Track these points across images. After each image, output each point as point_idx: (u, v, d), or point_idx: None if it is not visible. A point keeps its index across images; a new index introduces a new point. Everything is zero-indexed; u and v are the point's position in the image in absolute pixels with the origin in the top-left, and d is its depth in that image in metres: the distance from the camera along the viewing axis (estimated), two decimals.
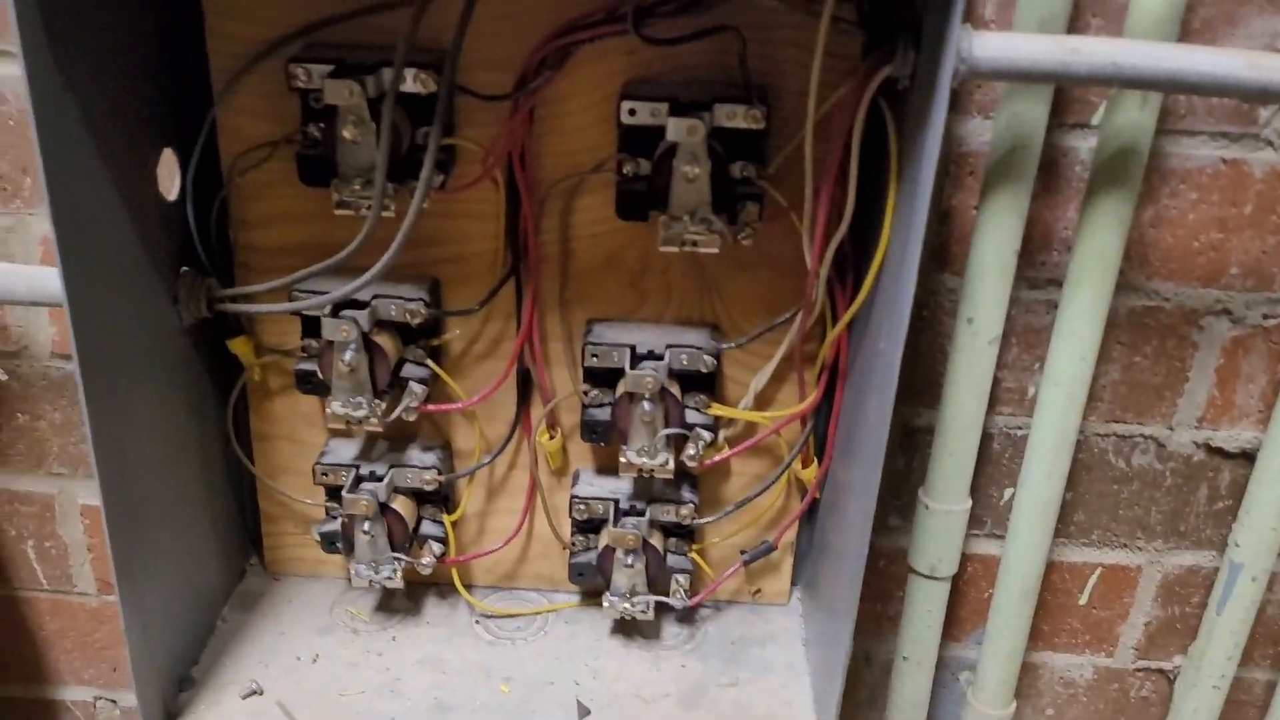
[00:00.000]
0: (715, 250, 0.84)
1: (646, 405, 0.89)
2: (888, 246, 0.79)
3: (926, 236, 0.71)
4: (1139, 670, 1.15)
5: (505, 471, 1.01)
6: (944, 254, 0.96)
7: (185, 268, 0.88)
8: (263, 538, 1.05)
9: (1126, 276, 0.96)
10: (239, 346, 0.94)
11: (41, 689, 1.22)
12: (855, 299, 0.85)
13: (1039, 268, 0.96)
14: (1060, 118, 0.90)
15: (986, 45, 0.72)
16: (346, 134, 0.80)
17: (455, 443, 1.00)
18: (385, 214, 0.82)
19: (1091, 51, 0.73)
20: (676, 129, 0.80)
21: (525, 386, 0.96)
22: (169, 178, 0.86)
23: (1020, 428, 1.03)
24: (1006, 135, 0.86)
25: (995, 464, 1.05)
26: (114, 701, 1.23)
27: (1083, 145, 0.92)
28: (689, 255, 0.91)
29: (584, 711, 0.94)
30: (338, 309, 0.88)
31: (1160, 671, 1.15)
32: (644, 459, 0.91)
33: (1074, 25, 0.87)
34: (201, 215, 0.88)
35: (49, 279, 0.88)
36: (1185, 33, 0.87)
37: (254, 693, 0.93)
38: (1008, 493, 1.06)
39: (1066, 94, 0.90)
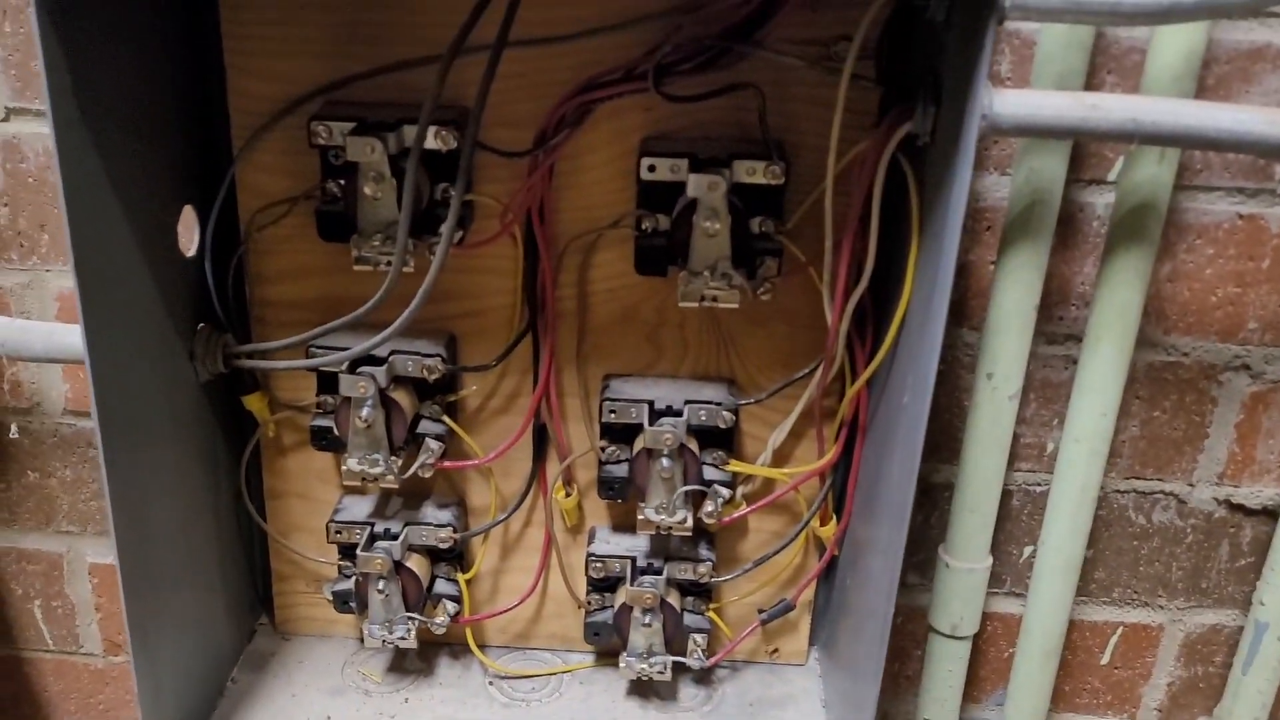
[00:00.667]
0: (735, 305, 0.84)
1: (665, 462, 0.88)
2: (910, 302, 0.79)
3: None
4: None
5: (520, 529, 1.00)
6: (962, 308, 0.96)
7: (202, 324, 0.88)
8: (274, 597, 1.04)
9: (1144, 332, 0.95)
10: (254, 403, 0.93)
11: None
12: (875, 354, 0.85)
13: (1057, 323, 0.96)
14: (1077, 173, 0.91)
15: (1007, 102, 0.72)
16: (368, 190, 0.80)
17: (470, 499, 0.99)
18: (405, 269, 0.82)
19: (1111, 108, 0.73)
20: (697, 185, 0.80)
21: (541, 443, 0.96)
22: (188, 234, 0.86)
23: (1040, 484, 1.02)
24: (1025, 190, 0.86)
25: (1015, 521, 1.04)
26: None
27: (1100, 201, 0.92)
28: (706, 310, 0.91)
29: None
30: (354, 365, 0.87)
31: None
32: (662, 516, 0.90)
33: (1090, 82, 0.87)
34: (219, 271, 0.88)
35: (68, 335, 0.88)
36: (1200, 89, 0.87)
37: None
38: (1027, 550, 1.05)
39: (1084, 150, 0.90)
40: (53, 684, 1.16)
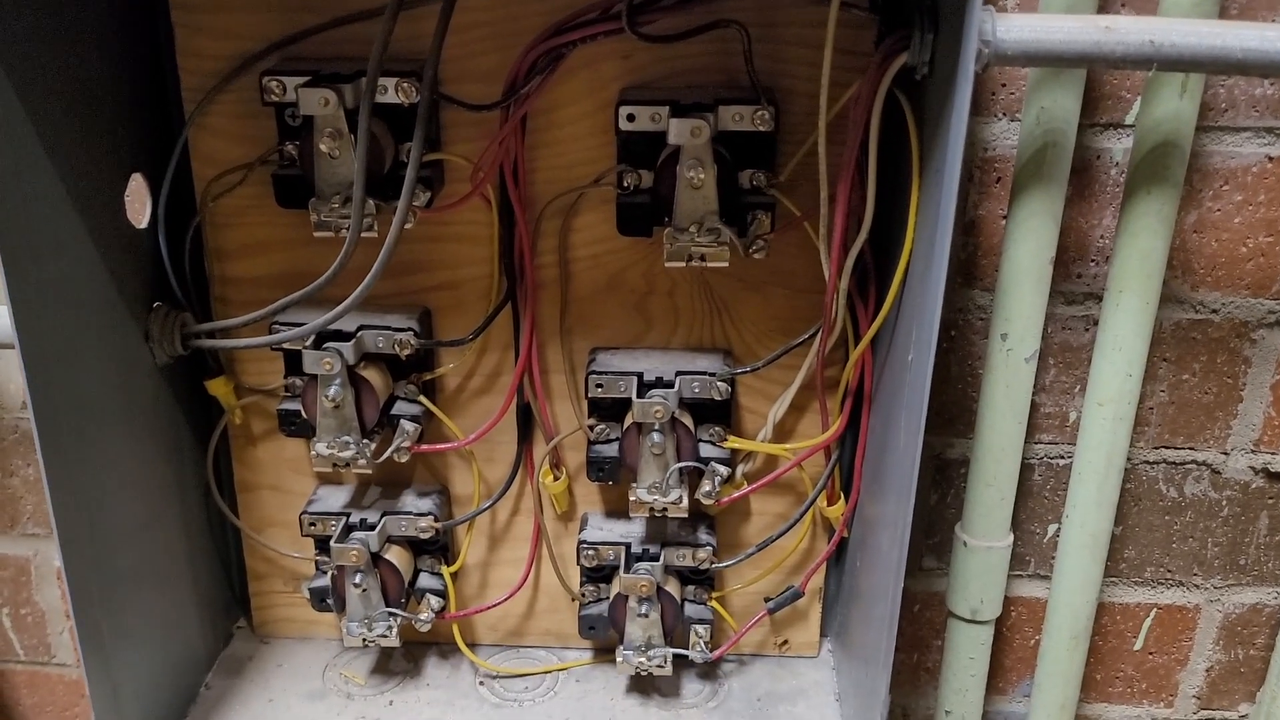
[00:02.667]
0: (725, 264, 0.78)
1: (656, 436, 0.82)
2: (912, 250, 0.73)
3: (952, 244, 0.65)
4: None
5: (508, 518, 0.94)
6: (972, 268, 0.90)
7: (158, 303, 0.82)
8: (250, 597, 0.98)
9: (1170, 287, 0.89)
10: (218, 387, 0.88)
11: None
12: (879, 313, 0.79)
13: (1075, 280, 0.90)
14: (1092, 117, 0.84)
15: (1011, 26, 0.66)
16: (323, 147, 0.74)
17: (453, 487, 0.93)
18: (367, 234, 0.76)
19: (1127, 29, 0.67)
20: (679, 131, 0.74)
21: (526, 423, 0.90)
22: (139, 205, 0.81)
23: (1062, 456, 0.95)
24: (1035, 132, 0.79)
25: (1036, 498, 0.97)
26: None
27: (1117, 146, 0.85)
28: (697, 274, 0.85)
29: None
30: (320, 342, 0.82)
31: None
32: (655, 496, 0.84)
33: (1102, 11, 0.81)
34: (174, 245, 0.82)
35: (5, 317, 0.82)
36: (1223, 17, 0.81)
37: None
38: (1051, 529, 0.98)
39: (1098, 89, 0.83)
40: (26, 697, 1.11)
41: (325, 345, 0.81)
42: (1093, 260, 0.89)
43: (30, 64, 0.66)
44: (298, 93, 0.74)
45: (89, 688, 0.76)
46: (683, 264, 0.78)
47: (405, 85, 0.74)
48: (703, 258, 0.78)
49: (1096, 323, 0.88)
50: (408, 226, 0.76)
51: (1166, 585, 1.01)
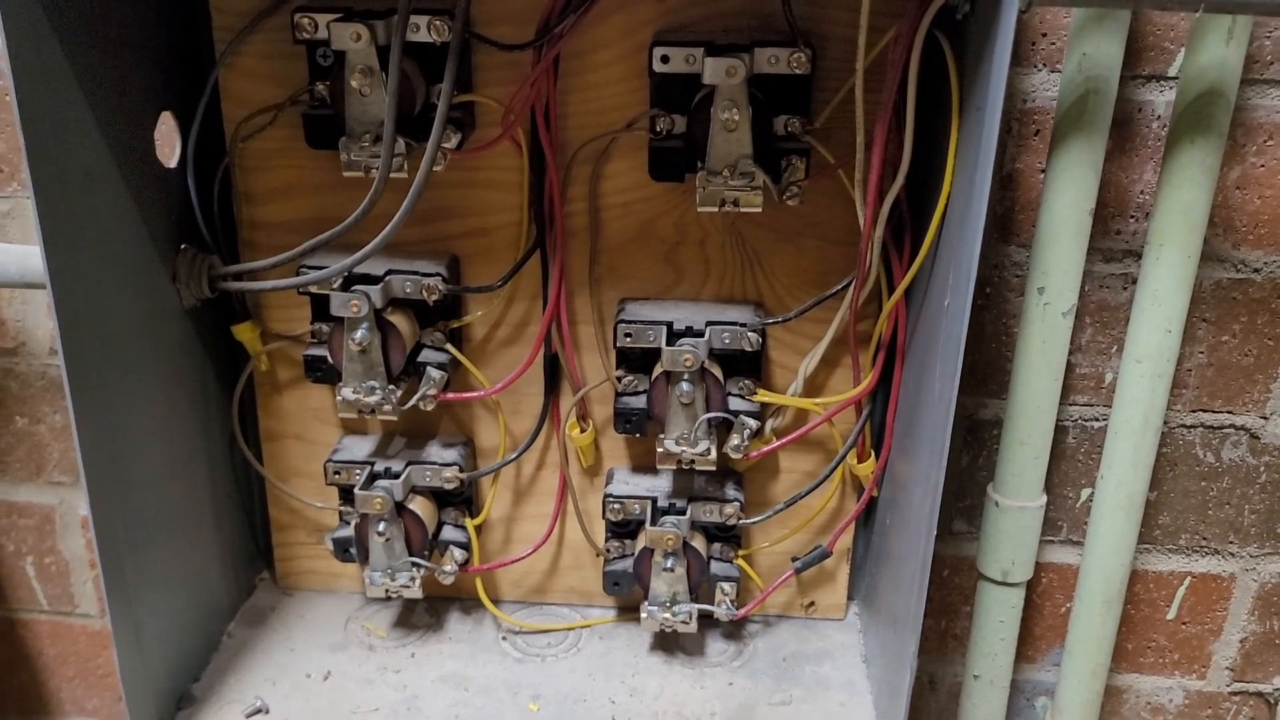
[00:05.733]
0: (758, 209, 0.77)
1: (685, 385, 0.81)
2: (950, 196, 0.72)
3: (989, 197, 0.64)
4: (1235, 694, 1.05)
5: (533, 472, 0.93)
6: (1009, 223, 0.88)
7: (185, 244, 0.82)
8: (273, 548, 0.98)
9: (1210, 245, 0.87)
10: (244, 333, 0.87)
11: None
12: (914, 263, 0.77)
13: (1114, 237, 0.88)
14: (1135, 68, 0.83)
15: None
16: (354, 83, 0.74)
17: (478, 439, 0.92)
18: (397, 174, 0.75)
19: None
20: (714, 70, 0.73)
21: (553, 374, 0.89)
22: (168, 144, 0.80)
23: (1098, 419, 0.94)
24: (1077, 80, 0.78)
25: (1070, 460, 0.96)
26: None
27: (1160, 99, 0.84)
28: (729, 224, 0.84)
29: None
30: (348, 285, 0.81)
31: (1259, 695, 1.04)
32: (683, 447, 0.83)
33: None
34: (203, 187, 0.82)
35: (39, 258, 0.82)
36: None
37: (258, 711, 0.85)
38: (1085, 493, 0.97)
39: (1141, 39, 0.82)
40: (49, 647, 1.11)
41: (353, 288, 0.80)
42: (1132, 216, 0.87)
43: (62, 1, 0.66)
44: (329, 28, 0.73)
45: (113, 633, 0.76)
46: (715, 209, 0.77)
47: (437, 23, 0.73)
48: (736, 202, 0.77)
49: (1135, 281, 0.87)
50: (437, 169, 0.75)
51: (1201, 553, 0.99)
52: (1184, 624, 1.02)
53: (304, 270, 0.81)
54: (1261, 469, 0.95)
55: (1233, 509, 0.97)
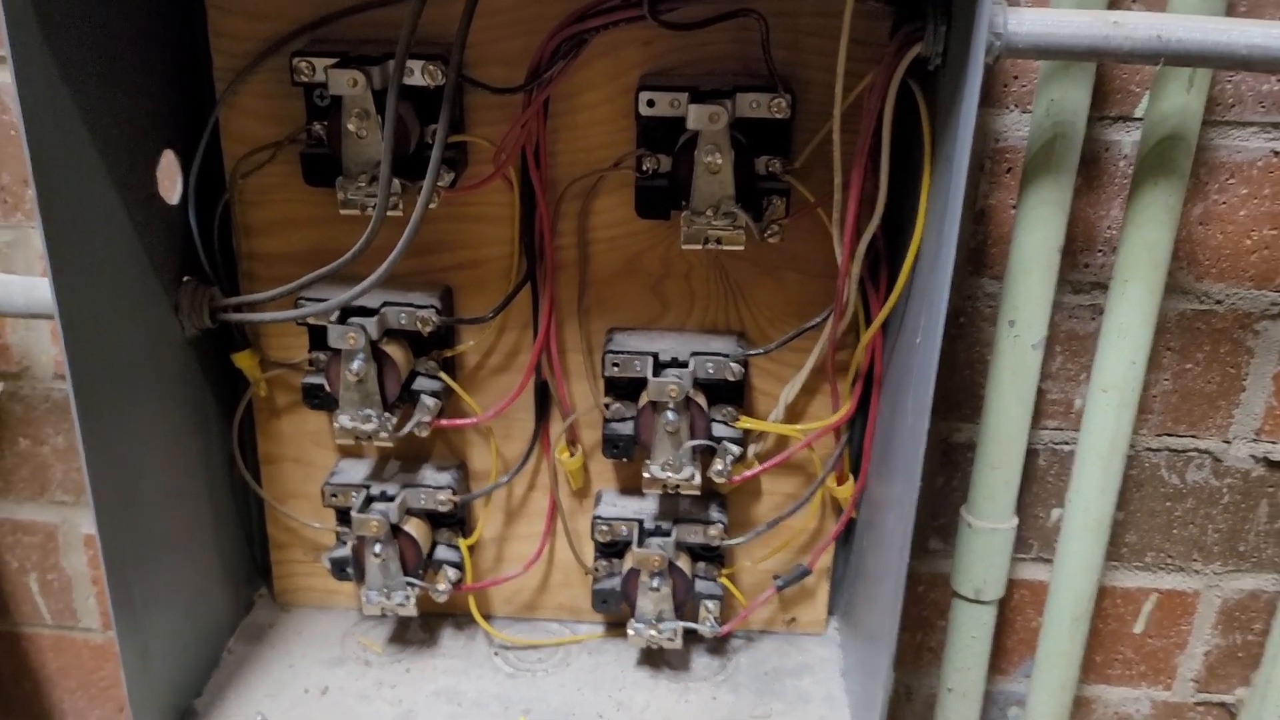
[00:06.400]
0: (740, 248, 0.80)
1: (670, 415, 0.84)
2: (923, 236, 0.75)
3: (962, 232, 0.67)
4: (1199, 704, 1.08)
5: (524, 493, 0.96)
6: (981, 257, 0.92)
7: (187, 277, 0.85)
8: (271, 566, 1.01)
9: (1175, 278, 0.91)
10: (243, 360, 0.90)
11: None
12: (889, 298, 0.81)
13: (1082, 270, 0.91)
14: (1102, 110, 0.86)
15: (1023, 20, 0.68)
16: (351, 126, 0.77)
17: (471, 463, 0.95)
18: (392, 213, 0.78)
19: (1135, 25, 0.69)
20: (698, 116, 0.76)
21: (543, 401, 0.92)
22: (170, 181, 0.83)
23: (1067, 443, 0.97)
24: (1045, 123, 0.81)
25: (1040, 482, 0.99)
26: None
27: (1126, 139, 0.87)
28: (712, 258, 0.87)
29: None
30: (345, 317, 0.84)
31: (1222, 705, 1.08)
32: (669, 473, 0.86)
33: (1112, 7, 0.82)
34: (204, 222, 0.85)
35: (48, 290, 0.84)
36: (1230, 15, 0.82)
37: None
38: (1055, 513, 1.00)
39: (1108, 83, 0.85)
40: (51, 660, 1.13)
41: (349, 320, 0.83)
42: (1100, 250, 0.91)
43: (71, 41, 0.69)
44: (327, 73, 0.76)
45: (120, 650, 0.79)
46: (699, 247, 0.80)
47: (431, 68, 0.76)
48: (719, 241, 0.80)
49: (1102, 312, 0.90)
50: (431, 206, 0.78)
51: (1167, 570, 1.03)
52: (1150, 638, 1.06)
53: (302, 302, 0.84)
54: (1224, 490, 0.99)
55: (1196, 528, 1.01)
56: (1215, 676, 1.07)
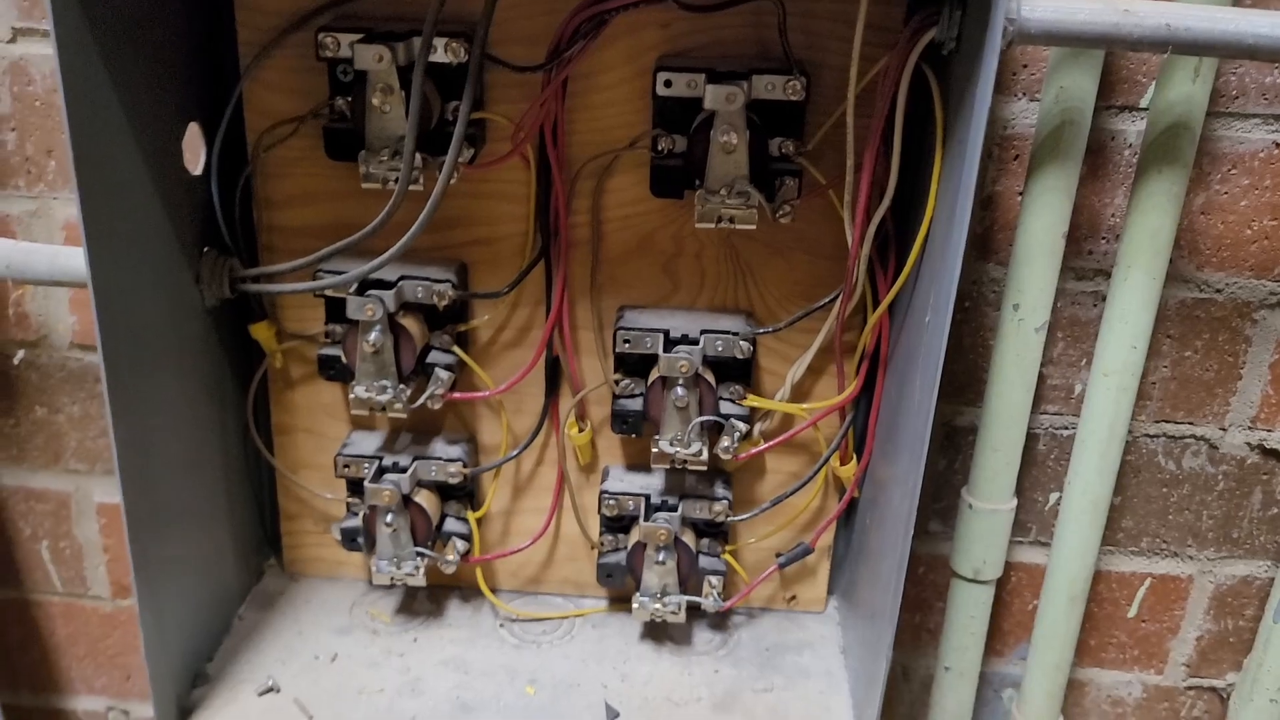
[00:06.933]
0: (752, 226, 0.82)
1: (680, 390, 0.86)
2: (932, 219, 0.77)
3: (972, 212, 0.69)
4: (1190, 689, 1.10)
5: (533, 468, 0.98)
6: (987, 242, 0.93)
7: (208, 247, 0.86)
8: (282, 536, 1.02)
9: (1176, 266, 0.92)
10: (260, 331, 0.92)
11: (51, 698, 1.19)
12: (898, 280, 0.82)
13: (1086, 257, 0.93)
14: (1109, 99, 0.88)
15: (1035, 6, 0.69)
16: (375, 101, 0.78)
17: (481, 436, 0.97)
18: (414, 187, 0.80)
19: (1145, 13, 0.70)
20: (714, 97, 0.77)
21: (554, 376, 0.93)
22: (194, 153, 0.84)
23: (1067, 427, 0.99)
24: (1054, 111, 0.83)
25: (1040, 466, 1.01)
26: (126, 713, 1.20)
27: (1131, 128, 0.89)
28: (724, 238, 0.88)
29: (613, 714, 0.90)
30: (363, 290, 0.85)
31: (1213, 690, 1.10)
32: (677, 448, 0.88)
33: None
34: (226, 193, 0.86)
35: (72, 258, 0.86)
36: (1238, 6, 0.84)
37: (270, 690, 0.90)
38: (1053, 497, 1.02)
39: (1115, 73, 0.87)
40: (61, 628, 1.15)
41: (368, 293, 0.85)
42: (1103, 238, 0.92)
43: (106, 14, 0.70)
44: (353, 49, 0.77)
45: (140, 614, 0.80)
46: (712, 225, 0.82)
47: (454, 45, 0.78)
48: (731, 220, 0.82)
49: (1104, 299, 0.92)
50: (450, 182, 0.80)
51: (1161, 555, 1.05)
52: (1144, 622, 1.08)
53: (320, 274, 0.86)
54: (1219, 477, 1.01)
55: (1192, 514, 1.03)
56: (1206, 661, 1.09)
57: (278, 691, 0.90)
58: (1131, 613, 1.07)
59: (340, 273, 0.84)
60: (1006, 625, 1.08)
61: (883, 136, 0.78)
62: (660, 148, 0.82)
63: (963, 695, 1.04)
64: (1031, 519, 1.03)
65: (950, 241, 0.71)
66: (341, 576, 1.03)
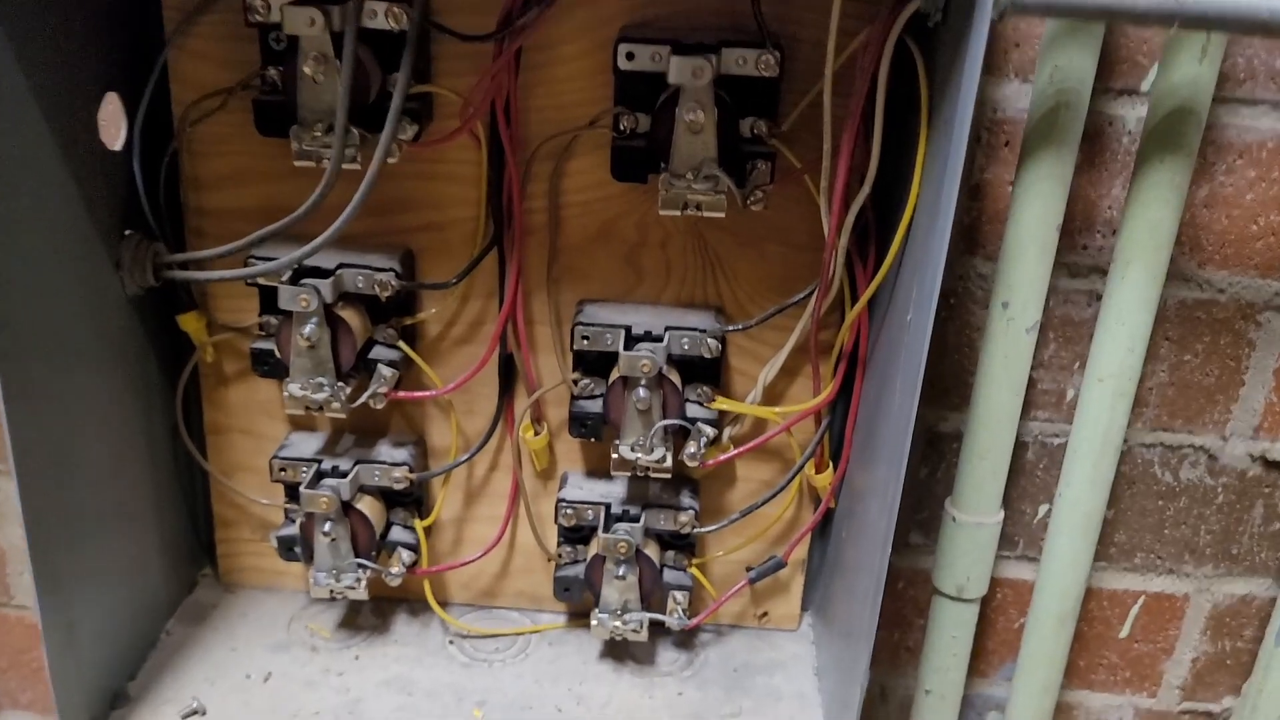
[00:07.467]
0: (721, 214, 0.75)
1: (642, 391, 0.79)
2: (916, 207, 0.70)
3: (956, 208, 0.63)
4: (1184, 713, 1.04)
5: (485, 473, 0.91)
6: (975, 235, 0.87)
7: (129, 231, 0.79)
8: (216, 544, 0.95)
9: (1176, 264, 0.86)
10: (189, 323, 0.85)
11: None
12: (878, 273, 0.76)
13: (1080, 252, 0.87)
14: (1106, 81, 0.82)
15: None
16: (307, 69, 0.71)
17: (430, 439, 0.90)
18: (350, 166, 0.73)
19: None
20: (679, 70, 0.71)
21: (508, 375, 0.87)
22: (114, 127, 0.78)
23: (1057, 435, 0.93)
24: (1049, 92, 0.76)
25: (1028, 476, 0.95)
26: None
27: (1131, 114, 0.83)
28: (691, 227, 0.82)
29: None
30: (298, 278, 0.79)
31: (1208, 715, 1.04)
32: (638, 454, 0.81)
33: None
34: (149, 172, 0.79)
35: None
36: None
37: (195, 712, 0.83)
38: (1042, 509, 0.96)
39: (1115, 52, 0.81)
40: None
41: (302, 281, 0.78)
42: (1099, 232, 0.86)
43: None
44: (283, 12, 0.71)
45: (43, 628, 0.74)
46: (678, 212, 0.75)
47: (395, 10, 0.71)
48: (699, 206, 0.75)
49: (1099, 298, 0.86)
50: (392, 161, 0.74)
51: (1156, 572, 0.98)
52: (1136, 642, 1.01)
53: (252, 261, 0.79)
54: (1219, 490, 0.95)
55: (1189, 529, 0.96)
56: (1202, 684, 1.03)
57: (203, 714, 0.83)
58: (1124, 633, 1.01)
59: (274, 259, 0.78)
60: (991, 645, 1.02)
61: (863, 117, 0.72)
62: (622, 127, 0.76)
63: (944, 719, 0.98)
64: (1019, 532, 0.97)
65: (935, 232, 0.65)
66: (281, 588, 0.97)
